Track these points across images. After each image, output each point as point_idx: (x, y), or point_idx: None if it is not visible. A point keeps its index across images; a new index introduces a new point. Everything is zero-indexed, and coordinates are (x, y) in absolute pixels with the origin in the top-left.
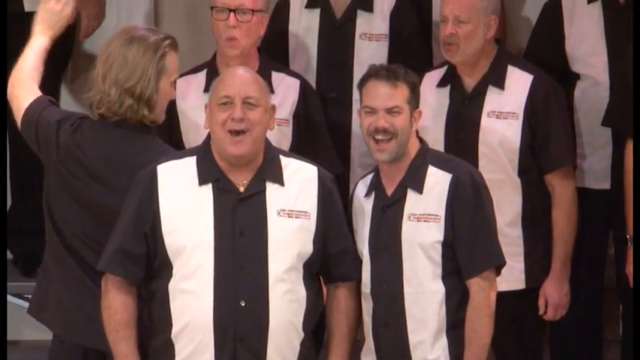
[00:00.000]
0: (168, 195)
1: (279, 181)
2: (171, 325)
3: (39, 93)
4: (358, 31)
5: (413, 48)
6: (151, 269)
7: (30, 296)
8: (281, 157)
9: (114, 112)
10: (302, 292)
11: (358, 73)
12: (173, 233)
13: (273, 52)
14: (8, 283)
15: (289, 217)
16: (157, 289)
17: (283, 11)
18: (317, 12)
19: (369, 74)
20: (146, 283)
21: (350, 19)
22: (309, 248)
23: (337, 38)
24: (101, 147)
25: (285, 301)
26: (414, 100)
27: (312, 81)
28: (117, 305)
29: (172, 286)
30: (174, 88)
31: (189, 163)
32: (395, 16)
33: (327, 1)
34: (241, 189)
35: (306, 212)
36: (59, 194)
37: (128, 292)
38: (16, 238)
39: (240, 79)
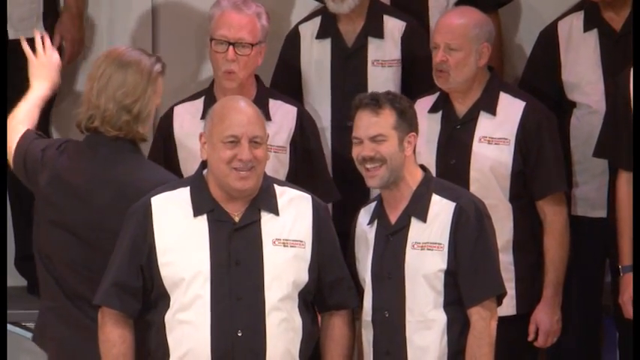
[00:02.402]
0: (164, 227)
1: (274, 210)
2: (169, 356)
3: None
4: (370, 57)
5: (426, 72)
6: (147, 301)
7: (27, 324)
8: (275, 186)
9: (112, 125)
10: (298, 321)
11: None
12: (169, 265)
13: (286, 84)
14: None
15: (284, 246)
16: (153, 319)
17: (294, 43)
18: (328, 42)
19: (355, 105)
20: (142, 314)
21: (361, 46)
22: (304, 277)
23: (350, 66)
24: (89, 166)
25: (282, 330)
26: (404, 125)
27: (328, 111)
28: (114, 338)
29: (169, 317)
30: None
31: (183, 194)
32: (406, 41)
33: (337, 31)
34: (236, 219)
35: (301, 241)
36: (47, 223)
37: (125, 325)
38: (26, 265)
39: (245, 116)
